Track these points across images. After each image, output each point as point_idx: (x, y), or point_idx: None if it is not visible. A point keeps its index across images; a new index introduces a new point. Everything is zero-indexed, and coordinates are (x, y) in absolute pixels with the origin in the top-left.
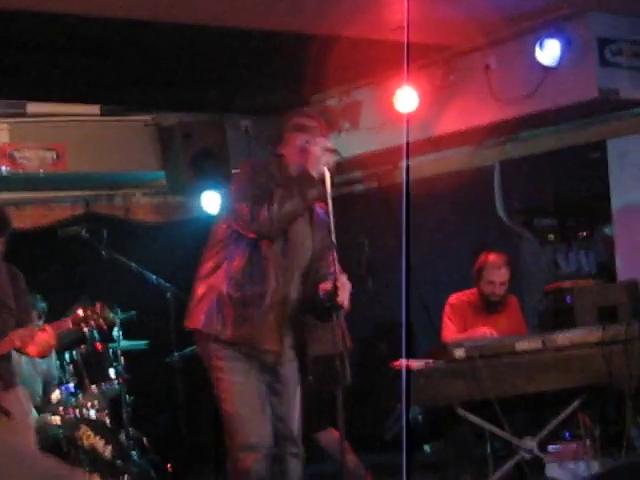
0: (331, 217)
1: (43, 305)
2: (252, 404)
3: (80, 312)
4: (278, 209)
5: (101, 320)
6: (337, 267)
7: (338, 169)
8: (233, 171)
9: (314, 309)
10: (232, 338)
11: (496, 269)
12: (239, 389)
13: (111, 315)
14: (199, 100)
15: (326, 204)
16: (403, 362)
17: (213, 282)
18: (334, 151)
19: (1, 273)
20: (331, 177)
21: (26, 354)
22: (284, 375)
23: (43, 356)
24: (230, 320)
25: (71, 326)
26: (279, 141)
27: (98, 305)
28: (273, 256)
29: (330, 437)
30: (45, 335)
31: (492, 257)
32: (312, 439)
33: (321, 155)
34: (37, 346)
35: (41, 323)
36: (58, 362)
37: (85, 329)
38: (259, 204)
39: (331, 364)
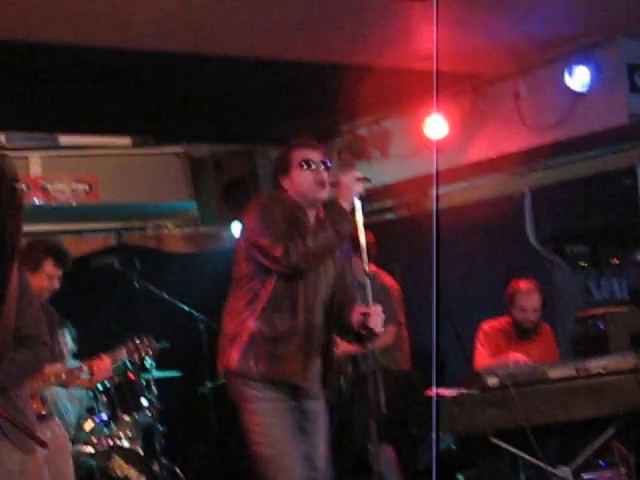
0: (364, 246)
1: (73, 330)
2: (284, 446)
3: (132, 342)
4: (314, 245)
5: (150, 350)
6: (370, 296)
7: (368, 198)
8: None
9: (347, 335)
10: (265, 375)
11: (527, 295)
12: (271, 431)
13: (158, 346)
14: (230, 130)
15: (358, 234)
16: (435, 390)
17: (244, 319)
18: (364, 179)
19: (39, 309)
20: (362, 206)
21: (75, 385)
22: (312, 412)
23: (94, 384)
24: (263, 357)
25: (126, 355)
26: (282, 172)
27: (146, 337)
28: (301, 290)
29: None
30: (104, 364)
31: (523, 284)
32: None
33: (352, 185)
34: (97, 376)
35: (75, 348)
36: (91, 392)
37: (137, 359)
38: (291, 239)
39: (365, 389)
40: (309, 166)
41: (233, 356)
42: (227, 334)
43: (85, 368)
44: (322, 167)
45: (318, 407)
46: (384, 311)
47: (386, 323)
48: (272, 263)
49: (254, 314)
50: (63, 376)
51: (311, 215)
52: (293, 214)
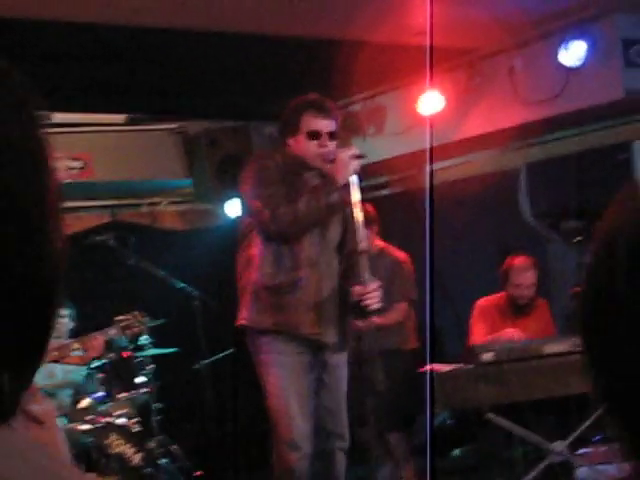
0: (361, 223)
1: (72, 309)
2: (296, 401)
3: (124, 319)
4: (302, 214)
5: (143, 327)
6: (367, 272)
7: (363, 173)
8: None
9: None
10: (273, 326)
11: (523, 272)
12: (284, 384)
13: (151, 322)
14: (224, 107)
15: (352, 210)
16: (429, 366)
17: (248, 275)
18: (361, 156)
19: None
20: (359, 182)
21: (68, 363)
22: (332, 366)
23: (87, 362)
24: (268, 309)
25: (119, 333)
26: (289, 130)
27: (138, 313)
28: (304, 247)
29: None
30: (97, 342)
31: (518, 260)
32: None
33: (349, 162)
34: (89, 354)
35: (72, 325)
36: (86, 370)
37: (130, 336)
38: (280, 206)
39: (362, 369)
40: (315, 138)
41: (242, 312)
42: (239, 291)
43: (77, 345)
44: (328, 140)
45: (338, 360)
46: (397, 287)
47: (398, 299)
48: (260, 226)
49: (258, 269)
50: (55, 352)
51: (308, 179)
52: (290, 170)
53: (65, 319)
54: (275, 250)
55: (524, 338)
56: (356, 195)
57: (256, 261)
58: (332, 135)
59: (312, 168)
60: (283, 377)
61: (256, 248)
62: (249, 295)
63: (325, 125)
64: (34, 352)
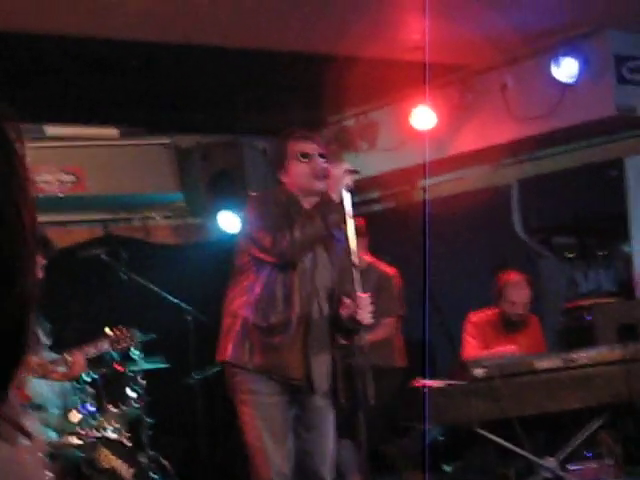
0: (352, 238)
1: (47, 325)
2: (273, 440)
3: (112, 334)
4: (301, 234)
5: (131, 342)
6: (358, 287)
7: (355, 189)
8: (250, 194)
9: (339, 329)
10: (260, 367)
11: (518, 289)
12: (260, 425)
13: (139, 336)
14: (216, 121)
15: (346, 226)
16: (423, 382)
17: (237, 311)
18: (354, 172)
19: None
20: (351, 198)
21: (54, 379)
22: (316, 407)
23: (75, 379)
24: (257, 349)
25: (108, 347)
26: (279, 165)
27: (126, 328)
28: (296, 282)
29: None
30: (77, 359)
31: (513, 277)
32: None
33: (342, 177)
34: (75, 370)
35: (49, 343)
36: (78, 384)
37: (118, 350)
38: (281, 230)
39: (354, 381)
40: (306, 158)
41: (227, 347)
42: (223, 326)
43: (60, 362)
44: (319, 158)
45: (322, 403)
46: (384, 302)
47: (385, 315)
48: (262, 253)
49: (247, 305)
50: (37, 369)
51: (307, 205)
52: (288, 206)
53: (40, 335)
54: (268, 289)
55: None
56: (349, 210)
57: (247, 299)
58: (321, 155)
59: (308, 199)
60: (259, 418)
61: (248, 286)
62: (237, 332)
63: (312, 148)
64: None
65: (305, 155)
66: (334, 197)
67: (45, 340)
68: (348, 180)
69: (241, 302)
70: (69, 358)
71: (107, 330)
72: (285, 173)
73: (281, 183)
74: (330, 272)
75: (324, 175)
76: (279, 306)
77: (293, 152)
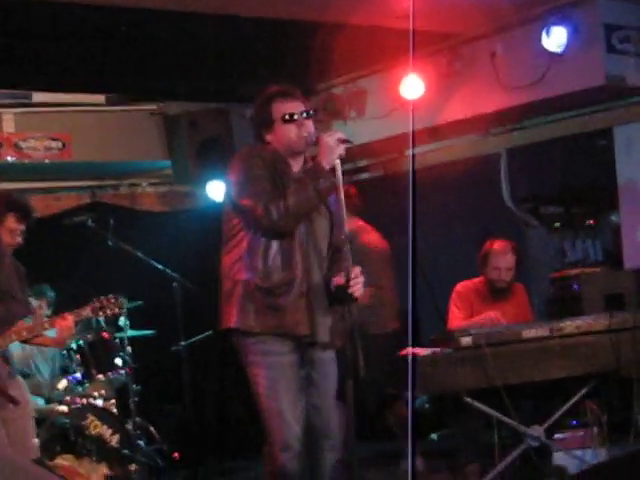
0: (343, 208)
1: (52, 294)
2: (287, 401)
3: (98, 301)
4: (294, 204)
5: (117, 309)
6: (349, 259)
7: (343, 157)
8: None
9: (330, 298)
10: (268, 328)
11: (502, 255)
12: (275, 385)
13: (124, 304)
14: (204, 89)
15: (338, 194)
16: (410, 350)
17: (238, 276)
18: (347, 141)
19: (9, 265)
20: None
21: (43, 344)
22: (322, 363)
23: (63, 343)
24: (262, 311)
25: (91, 314)
26: (264, 125)
27: (113, 296)
28: (294, 244)
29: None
30: (66, 323)
31: (497, 244)
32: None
33: (335, 147)
34: (60, 334)
35: (49, 312)
36: (65, 351)
37: (102, 316)
38: (272, 200)
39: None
40: (292, 119)
41: (231, 313)
42: (223, 292)
43: (47, 325)
44: (305, 119)
45: (327, 357)
46: (362, 273)
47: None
48: (253, 223)
49: (247, 268)
50: (24, 333)
51: (295, 164)
52: (276, 167)
53: (43, 304)
54: (267, 250)
55: (503, 321)
56: (339, 179)
57: (246, 262)
58: (306, 113)
59: (295, 158)
60: (273, 378)
61: (245, 249)
62: (239, 297)
63: (296, 106)
64: None
65: (291, 116)
66: (325, 165)
67: (46, 309)
68: (341, 149)
69: (240, 266)
70: (50, 323)
71: (96, 298)
72: (271, 133)
73: (267, 143)
74: (327, 229)
75: (312, 139)
76: (280, 267)
77: (278, 113)
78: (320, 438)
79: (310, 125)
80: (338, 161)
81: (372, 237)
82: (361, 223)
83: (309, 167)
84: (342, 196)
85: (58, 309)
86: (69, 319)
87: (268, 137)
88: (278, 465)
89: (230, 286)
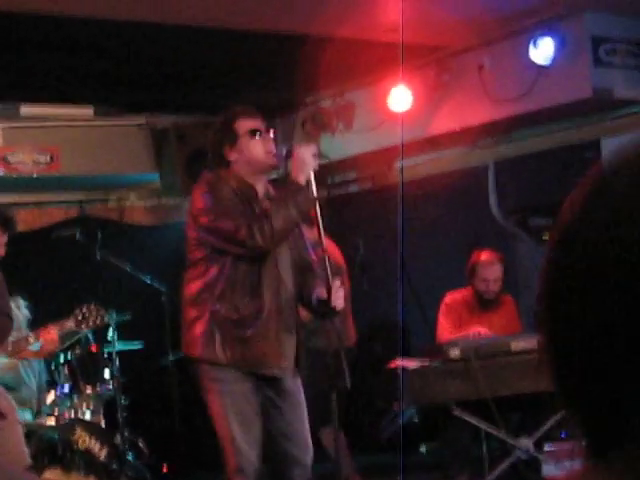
0: (320, 220)
1: (25, 304)
2: (240, 427)
3: (80, 312)
4: (277, 224)
5: (99, 320)
6: (329, 271)
7: (332, 170)
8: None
9: (309, 307)
10: (232, 361)
11: (489, 266)
12: (228, 412)
13: (107, 315)
14: (192, 102)
15: (315, 210)
16: (399, 362)
17: (204, 305)
18: (320, 155)
19: (1, 281)
20: (317, 180)
21: (28, 357)
22: (287, 390)
23: (48, 356)
24: (229, 343)
25: (74, 325)
26: (228, 143)
27: (95, 305)
28: (262, 270)
29: (331, 436)
30: (50, 335)
31: (485, 255)
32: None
33: (309, 160)
34: (45, 347)
35: (25, 325)
36: (53, 364)
37: (85, 328)
38: (255, 221)
39: (326, 362)
40: (258, 135)
41: (196, 342)
42: (187, 320)
43: (32, 339)
44: (269, 135)
45: (293, 385)
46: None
47: None
48: (235, 247)
49: (213, 298)
50: (9, 347)
51: (259, 188)
52: (243, 190)
53: (24, 310)
54: (234, 280)
55: (490, 335)
56: (314, 194)
57: (213, 292)
58: (268, 132)
59: (258, 180)
60: (226, 405)
61: (212, 278)
62: (205, 326)
63: (260, 124)
64: None
65: (256, 131)
66: (301, 180)
67: (28, 315)
68: (315, 163)
69: (207, 296)
70: (34, 336)
71: (78, 309)
72: (235, 150)
73: (228, 163)
74: (289, 253)
75: (283, 155)
76: (247, 297)
77: (244, 128)
78: (291, 465)
79: (272, 145)
80: (312, 175)
81: (330, 251)
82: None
83: (286, 184)
84: (318, 210)
85: (44, 322)
86: (53, 332)
87: (231, 155)
88: None
89: (196, 314)
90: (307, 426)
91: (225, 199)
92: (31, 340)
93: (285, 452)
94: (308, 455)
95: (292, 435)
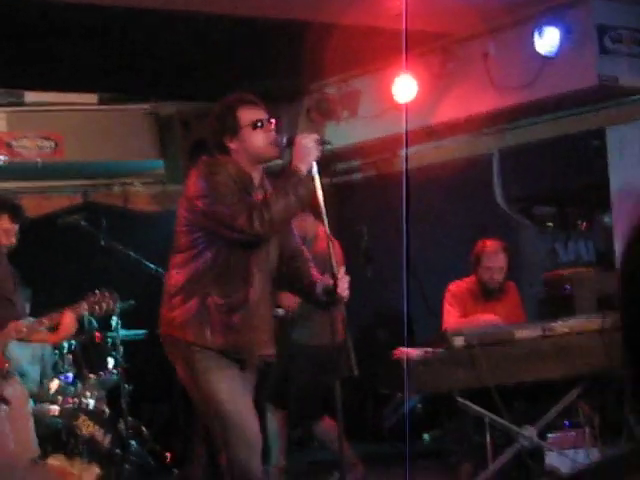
0: (323, 209)
1: (28, 292)
2: (246, 401)
3: (93, 297)
4: (276, 212)
5: (111, 305)
6: (335, 259)
7: (336, 158)
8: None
9: (311, 301)
10: (221, 346)
11: (493, 255)
12: (231, 387)
13: (117, 299)
14: (197, 89)
15: (318, 199)
16: (403, 351)
17: (193, 289)
18: (324, 143)
19: (5, 266)
20: (321, 168)
21: (44, 341)
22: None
23: (64, 339)
24: (218, 328)
25: (87, 309)
26: (229, 132)
27: (107, 292)
28: (254, 256)
29: (325, 426)
30: (69, 319)
31: (489, 243)
32: (307, 427)
33: (312, 149)
34: (64, 330)
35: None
36: (57, 351)
37: (98, 313)
38: (253, 208)
39: (331, 355)
40: (260, 125)
41: (182, 325)
42: (171, 303)
43: (46, 322)
44: (271, 125)
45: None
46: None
47: None
48: (232, 232)
49: (206, 285)
50: (24, 330)
51: (256, 177)
52: (240, 178)
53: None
54: (226, 266)
55: (500, 323)
56: (317, 182)
57: (206, 277)
58: (270, 121)
59: (255, 169)
60: (228, 383)
61: (206, 263)
62: (193, 310)
63: (262, 114)
64: None
65: (259, 122)
66: (302, 168)
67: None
68: (317, 152)
69: (197, 280)
70: (49, 321)
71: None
72: (236, 140)
73: (227, 150)
74: (276, 242)
75: (284, 144)
76: (238, 283)
77: (246, 119)
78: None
79: (274, 135)
80: (314, 163)
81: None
82: (322, 229)
83: (286, 172)
84: (321, 200)
85: (50, 309)
86: (71, 315)
87: (231, 145)
88: (245, 467)
89: (183, 297)
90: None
91: (223, 184)
92: (46, 323)
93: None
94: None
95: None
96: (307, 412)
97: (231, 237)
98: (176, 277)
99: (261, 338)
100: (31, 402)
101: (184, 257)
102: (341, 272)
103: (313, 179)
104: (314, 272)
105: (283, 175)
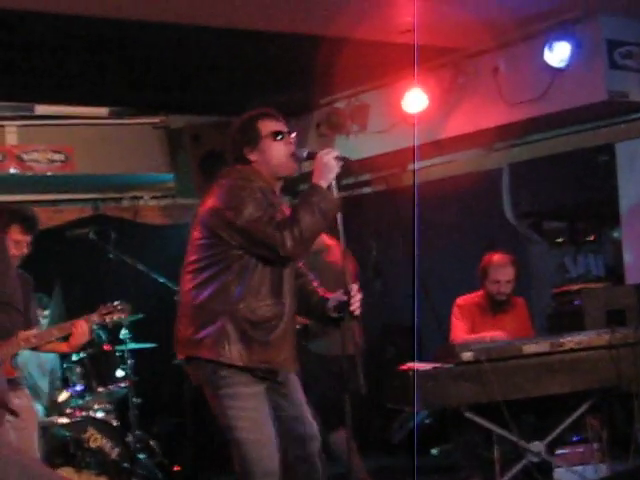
0: (341, 225)
1: (47, 301)
2: (266, 429)
3: (105, 307)
4: (306, 229)
5: (124, 313)
6: (348, 278)
7: (346, 172)
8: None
9: (322, 318)
10: (252, 364)
11: (501, 268)
12: (253, 415)
13: (129, 309)
14: (208, 102)
15: (337, 216)
16: (411, 364)
17: (221, 307)
18: (344, 159)
19: (15, 277)
20: (338, 181)
21: (55, 350)
22: (291, 380)
23: (76, 349)
24: (252, 346)
25: (99, 319)
26: (250, 143)
27: (120, 303)
28: (285, 273)
29: (340, 437)
30: (82, 329)
31: (497, 257)
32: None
33: (333, 164)
34: (76, 339)
35: (46, 321)
36: (66, 363)
37: (110, 321)
38: (284, 226)
39: (332, 367)
40: (280, 137)
41: (212, 346)
42: (199, 323)
43: (56, 333)
44: (292, 138)
45: (292, 375)
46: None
47: None
48: (265, 250)
49: (234, 299)
50: (33, 340)
51: (277, 191)
52: (266, 190)
53: (43, 311)
54: (259, 282)
55: (507, 339)
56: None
57: (234, 293)
58: (290, 134)
59: (276, 183)
60: (250, 408)
61: (232, 279)
62: (220, 329)
63: (283, 126)
64: None
65: (279, 133)
66: (323, 185)
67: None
68: (338, 167)
69: (225, 297)
70: (59, 330)
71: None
72: (257, 153)
73: (249, 162)
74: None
75: (304, 157)
76: (269, 300)
77: (266, 130)
78: (309, 442)
79: (293, 147)
80: (334, 180)
81: (336, 256)
82: (331, 242)
83: (307, 189)
84: (339, 215)
85: (60, 319)
86: (83, 325)
87: (252, 156)
88: None
89: (211, 316)
90: (305, 404)
91: (256, 199)
92: (56, 333)
93: (300, 433)
94: (315, 427)
95: (301, 415)
96: (325, 422)
97: (262, 254)
98: (198, 295)
99: (293, 353)
100: (40, 413)
101: (206, 273)
102: (354, 289)
103: (333, 195)
104: (320, 290)
105: (304, 192)
